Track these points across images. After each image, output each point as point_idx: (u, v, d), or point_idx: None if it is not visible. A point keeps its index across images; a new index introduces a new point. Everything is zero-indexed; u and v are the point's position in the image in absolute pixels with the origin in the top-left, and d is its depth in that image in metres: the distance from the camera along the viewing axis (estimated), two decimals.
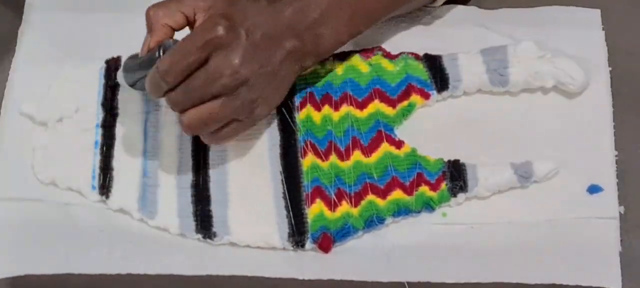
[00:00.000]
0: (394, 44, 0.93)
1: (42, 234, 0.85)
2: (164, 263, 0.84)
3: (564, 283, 0.82)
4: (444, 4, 0.94)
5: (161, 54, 0.81)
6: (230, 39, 0.80)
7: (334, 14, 0.84)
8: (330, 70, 0.91)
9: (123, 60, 0.87)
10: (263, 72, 0.82)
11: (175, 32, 0.84)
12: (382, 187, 0.87)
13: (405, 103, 0.90)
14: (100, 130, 0.90)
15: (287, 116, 0.89)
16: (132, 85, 0.85)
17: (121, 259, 0.84)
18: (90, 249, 0.84)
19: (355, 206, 0.86)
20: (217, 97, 0.81)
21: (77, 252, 0.84)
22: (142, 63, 0.83)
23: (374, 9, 0.87)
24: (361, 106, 0.90)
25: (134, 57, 0.85)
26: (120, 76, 0.87)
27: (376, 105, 0.90)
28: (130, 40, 0.94)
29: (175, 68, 0.80)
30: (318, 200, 0.86)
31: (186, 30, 0.84)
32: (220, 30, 0.80)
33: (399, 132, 0.89)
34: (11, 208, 0.87)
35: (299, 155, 0.88)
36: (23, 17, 0.96)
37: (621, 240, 0.85)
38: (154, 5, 0.83)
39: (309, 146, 0.88)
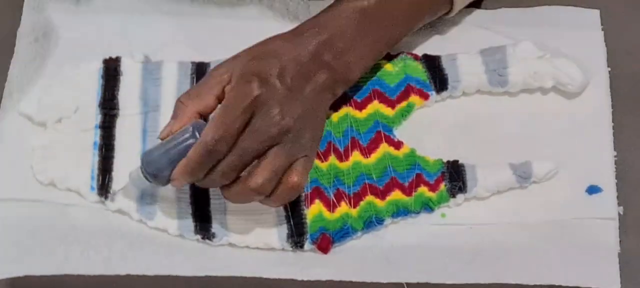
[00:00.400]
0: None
1: (41, 235, 0.85)
2: (163, 265, 0.84)
3: (563, 284, 0.82)
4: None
5: (196, 134, 0.80)
6: (266, 92, 0.80)
7: (358, 41, 0.85)
8: None
9: (147, 151, 0.83)
10: (304, 111, 0.81)
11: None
12: (381, 187, 0.87)
13: (404, 103, 0.90)
14: (99, 131, 0.90)
15: None
16: (155, 179, 0.81)
17: (120, 260, 0.84)
18: (89, 250, 0.85)
19: (354, 207, 0.86)
20: (270, 150, 0.80)
21: (76, 253, 0.84)
22: (169, 148, 0.80)
23: (395, 31, 0.87)
24: (360, 107, 0.90)
25: (152, 151, 0.82)
26: (134, 177, 0.83)
27: (375, 106, 0.90)
28: (129, 41, 0.94)
29: (224, 136, 0.78)
30: (317, 201, 0.86)
31: None
32: (255, 88, 0.79)
33: (398, 133, 0.89)
34: (10, 208, 0.87)
35: None
36: (22, 17, 0.96)
37: (620, 241, 0.85)
38: (184, 95, 0.82)
39: None
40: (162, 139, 0.82)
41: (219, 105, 0.81)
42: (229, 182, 0.80)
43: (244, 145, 0.79)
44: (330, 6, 0.86)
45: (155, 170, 0.81)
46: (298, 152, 0.81)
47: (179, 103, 0.82)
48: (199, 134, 0.80)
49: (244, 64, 0.81)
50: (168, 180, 0.82)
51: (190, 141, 0.80)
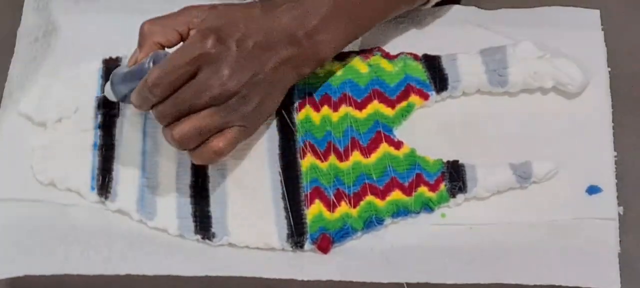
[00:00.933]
0: (393, 44, 0.93)
1: (41, 235, 0.85)
2: (163, 264, 0.84)
3: (563, 284, 0.82)
4: (437, 5, 0.94)
5: (151, 65, 0.82)
6: (219, 52, 0.80)
7: (332, 20, 0.84)
8: (329, 71, 0.91)
9: (116, 69, 0.86)
10: (255, 80, 0.82)
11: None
12: (381, 187, 0.87)
13: (404, 103, 0.90)
14: (99, 131, 0.90)
15: (286, 117, 0.89)
16: (121, 100, 0.85)
17: (120, 260, 0.84)
18: (89, 250, 0.85)
19: (354, 207, 0.86)
20: (207, 108, 0.81)
21: (76, 253, 0.84)
22: (130, 75, 0.83)
23: (371, 14, 0.87)
24: (360, 107, 0.90)
25: (119, 70, 0.85)
26: (108, 90, 0.86)
27: (375, 106, 0.90)
28: (129, 41, 0.94)
29: (163, 81, 0.80)
30: (317, 201, 0.86)
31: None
32: (209, 44, 0.80)
33: (398, 133, 0.89)
34: (10, 208, 0.87)
35: (298, 155, 0.88)
36: (22, 17, 0.96)
37: (620, 241, 0.85)
38: (149, 21, 0.83)
39: (308, 147, 0.88)
40: (128, 66, 0.84)
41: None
42: (163, 124, 0.82)
43: (182, 95, 0.80)
44: None
45: (118, 92, 0.84)
46: (235, 119, 0.82)
47: (143, 30, 0.83)
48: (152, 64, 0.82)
49: (213, 18, 0.82)
50: (124, 96, 0.84)
51: (145, 70, 0.82)
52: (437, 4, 0.94)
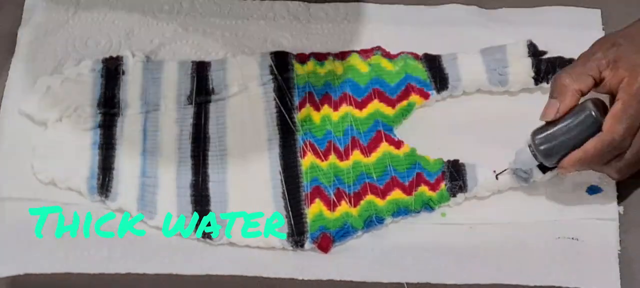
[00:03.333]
0: (393, 43, 0.93)
1: (42, 233, 0.85)
2: (163, 263, 0.84)
3: (563, 285, 0.82)
4: None
5: (595, 116, 0.81)
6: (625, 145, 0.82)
7: None
8: (330, 71, 0.91)
9: (539, 132, 0.84)
10: None
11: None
12: (381, 187, 0.87)
13: (404, 103, 0.90)
14: (99, 131, 0.90)
15: (287, 116, 0.89)
16: (549, 157, 0.83)
17: (121, 259, 0.84)
18: (90, 248, 0.85)
19: (355, 206, 0.86)
20: None
21: (76, 252, 0.84)
22: (571, 135, 0.82)
23: None
24: (360, 106, 0.90)
25: (545, 131, 0.83)
26: (523, 155, 0.84)
27: (375, 105, 0.90)
28: (130, 40, 0.94)
29: (630, 133, 0.81)
30: (317, 200, 0.86)
31: None
32: (617, 145, 0.81)
33: (398, 132, 0.89)
34: (11, 208, 0.87)
35: (299, 155, 0.88)
36: (23, 16, 0.96)
37: (620, 240, 0.85)
38: (563, 74, 0.83)
39: (308, 146, 0.88)
40: (546, 121, 0.83)
41: (618, 96, 0.81)
42: (623, 177, 0.85)
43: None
44: None
45: (550, 152, 0.83)
46: None
47: (559, 83, 0.83)
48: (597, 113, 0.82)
49: (626, 53, 0.82)
50: (557, 162, 0.83)
51: (590, 127, 0.81)
52: None
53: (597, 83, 0.83)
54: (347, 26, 0.95)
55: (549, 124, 0.83)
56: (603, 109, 0.83)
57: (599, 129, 0.82)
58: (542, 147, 0.83)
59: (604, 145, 0.81)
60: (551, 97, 0.83)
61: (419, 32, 0.94)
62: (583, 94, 0.83)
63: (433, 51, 0.93)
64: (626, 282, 0.83)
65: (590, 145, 0.82)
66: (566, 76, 0.83)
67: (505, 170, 0.86)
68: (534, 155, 0.84)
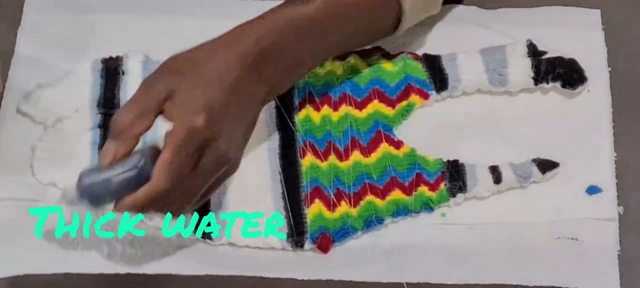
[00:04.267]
0: (393, 44, 0.93)
1: (42, 233, 0.85)
2: (163, 263, 0.84)
3: (563, 285, 0.82)
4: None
5: (143, 165, 0.76)
6: (213, 128, 0.76)
7: (295, 50, 0.81)
8: (330, 71, 0.91)
9: (85, 174, 0.78)
10: (244, 135, 0.80)
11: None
12: (381, 187, 0.87)
13: (404, 103, 0.90)
14: (99, 131, 0.90)
15: (286, 116, 0.89)
16: (94, 204, 0.77)
17: (120, 259, 0.84)
18: (89, 249, 0.85)
19: (355, 206, 0.86)
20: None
21: (77, 252, 0.84)
22: (125, 181, 0.76)
23: (333, 42, 0.84)
24: (360, 106, 0.90)
25: (92, 174, 0.77)
26: (70, 194, 0.78)
27: (375, 106, 0.90)
28: (130, 40, 0.94)
29: (175, 182, 0.76)
30: (317, 201, 0.86)
31: None
32: (203, 128, 0.76)
33: (398, 132, 0.89)
34: (11, 208, 0.87)
35: (298, 155, 0.88)
36: (22, 17, 0.96)
37: (620, 241, 0.85)
38: (121, 114, 0.77)
39: (308, 146, 0.88)
40: (101, 165, 0.77)
41: (166, 144, 0.76)
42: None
43: (194, 187, 0.78)
44: (267, 13, 0.82)
45: (95, 196, 0.77)
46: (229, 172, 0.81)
47: (118, 124, 0.77)
48: (146, 164, 0.76)
49: (185, 87, 0.77)
50: (105, 206, 0.78)
51: (140, 172, 0.76)
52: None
53: (162, 112, 0.77)
54: None
55: (102, 167, 0.77)
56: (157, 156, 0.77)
57: (148, 178, 0.76)
58: (88, 191, 0.76)
59: (149, 196, 0.76)
60: (110, 138, 0.77)
61: (419, 32, 0.94)
62: (144, 132, 0.77)
63: (433, 51, 0.93)
64: (626, 282, 0.83)
65: (141, 193, 0.76)
66: (125, 116, 0.76)
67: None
68: (80, 197, 0.77)
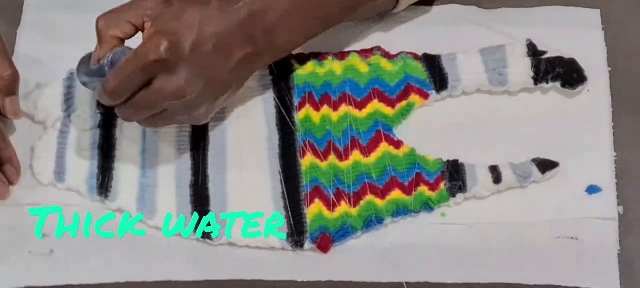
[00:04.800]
0: (392, 43, 0.93)
1: (41, 242, 0.85)
2: (162, 266, 0.84)
3: (563, 284, 0.82)
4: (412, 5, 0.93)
5: (109, 65, 0.81)
6: (174, 58, 0.79)
7: (290, 17, 0.83)
8: (329, 71, 0.91)
9: (83, 58, 0.84)
10: (210, 84, 0.81)
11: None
12: (381, 187, 0.87)
13: (404, 103, 0.90)
14: (99, 131, 0.90)
15: (286, 116, 0.89)
16: (85, 86, 0.85)
17: (119, 262, 0.84)
18: (90, 257, 0.84)
19: (354, 206, 0.86)
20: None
21: (77, 260, 0.84)
22: (92, 72, 0.83)
23: (330, 12, 0.86)
24: (360, 106, 0.90)
25: (86, 59, 0.84)
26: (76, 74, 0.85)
27: (375, 105, 0.90)
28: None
29: (119, 89, 0.80)
30: (317, 200, 0.86)
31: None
32: (162, 50, 0.79)
33: (398, 132, 0.89)
34: (10, 209, 0.87)
35: (298, 155, 0.88)
36: (22, 17, 0.96)
37: (620, 240, 0.85)
38: (103, 16, 0.82)
39: (308, 146, 0.88)
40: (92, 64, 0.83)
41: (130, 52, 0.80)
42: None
43: (138, 102, 0.81)
44: None
45: (86, 83, 0.84)
46: (180, 116, 0.83)
47: (98, 26, 0.81)
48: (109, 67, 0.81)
49: (167, 18, 0.80)
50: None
51: (105, 71, 0.81)
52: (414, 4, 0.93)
53: (141, 30, 0.82)
54: (346, 26, 0.95)
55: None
56: None
57: None
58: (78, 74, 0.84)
59: (99, 93, 0.81)
60: (97, 41, 0.82)
61: (419, 32, 0.94)
62: (122, 41, 0.82)
63: (433, 51, 0.92)
64: (626, 282, 0.83)
65: (98, 86, 0.81)
66: (105, 19, 0.81)
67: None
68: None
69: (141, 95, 0.80)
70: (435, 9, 0.95)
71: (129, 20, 0.81)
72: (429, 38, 0.94)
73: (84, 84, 0.84)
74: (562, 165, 0.87)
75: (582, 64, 0.91)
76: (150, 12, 0.81)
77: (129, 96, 0.80)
